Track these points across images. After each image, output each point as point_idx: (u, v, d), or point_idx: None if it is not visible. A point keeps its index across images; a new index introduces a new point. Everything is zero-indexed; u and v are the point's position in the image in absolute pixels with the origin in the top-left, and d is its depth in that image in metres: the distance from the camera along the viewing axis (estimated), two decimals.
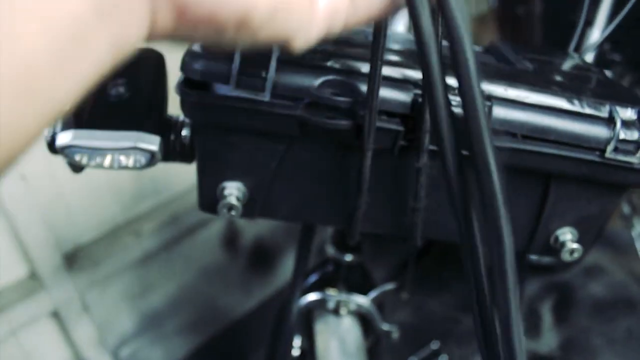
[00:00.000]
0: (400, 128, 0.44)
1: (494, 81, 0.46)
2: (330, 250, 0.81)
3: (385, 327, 0.82)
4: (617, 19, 0.68)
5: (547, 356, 1.49)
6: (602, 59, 1.32)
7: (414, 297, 1.62)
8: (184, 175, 1.28)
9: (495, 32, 2.12)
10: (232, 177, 0.48)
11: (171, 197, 1.28)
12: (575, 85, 0.52)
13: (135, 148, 0.46)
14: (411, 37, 0.65)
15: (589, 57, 1.17)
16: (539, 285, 1.69)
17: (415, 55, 0.49)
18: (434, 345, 1.45)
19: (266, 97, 0.42)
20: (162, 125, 0.49)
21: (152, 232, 1.21)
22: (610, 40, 1.38)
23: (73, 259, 1.12)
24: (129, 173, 1.18)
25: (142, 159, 0.47)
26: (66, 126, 0.47)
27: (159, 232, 1.24)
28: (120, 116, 0.47)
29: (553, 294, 1.67)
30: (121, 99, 0.48)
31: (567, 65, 0.61)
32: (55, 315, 1.10)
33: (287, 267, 1.63)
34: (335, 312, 0.80)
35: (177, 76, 0.45)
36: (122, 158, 0.47)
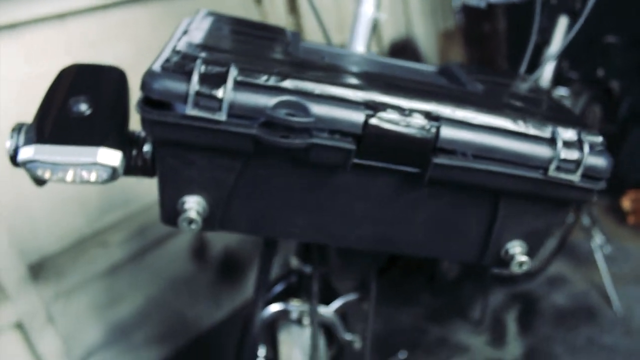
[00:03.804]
0: (352, 147, 0.46)
1: (443, 102, 0.49)
2: (294, 262, 0.83)
3: (348, 337, 0.84)
4: (566, 39, 0.72)
5: None
6: (560, 77, 1.37)
7: (382, 307, 1.64)
8: (153, 187, 1.27)
9: (462, 48, 2.18)
10: (192, 192, 0.50)
11: (140, 208, 1.28)
12: (521, 106, 0.55)
13: (96, 163, 0.47)
14: (366, 56, 0.67)
15: (547, 75, 1.23)
16: (503, 295, 1.73)
17: (367, 76, 0.52)
18: (402, 355, 1.47)
19: (222, 117, 0.43)
20: (123, 141, 0.50)
21: (119, 243, 1.21)
22: (568, 59, 1.44)
23: (38, 270, 1.11)
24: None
25: (104, 174, 0.48)
26: (28, 141, 0.48)
27: (127, 243, 1.23)
28: (82, 131, 0.48)
29: (517, 304, 1.71)
30: (83, 114, 0.49)
31: (515, 87, 0.64)
32: (19, 326, 1.09)
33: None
34: (299, 322, 0.81)
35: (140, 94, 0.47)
36: (84, 173, 0.48)
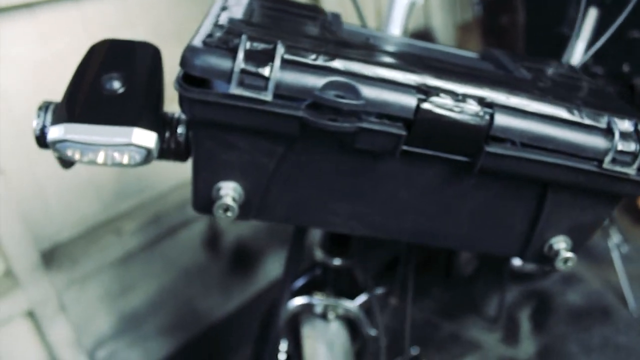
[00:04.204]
0: (403, 132, 0.43)
1: (495, 88, 0.46)
2: (319, 255, 0.80)
3: (372, 332, 0.81)
4: (606, 34, 0.69)
5: None
6: (585, 71, 1.34)
7: (402, 302, 1.62)
8: (168, 175, 1.25)
9: (480, 40, 2.15)
10: (229, 177, 0.47)
11: (154, 196, 1.26)
12: (572, 95, 0.52)
13: (130, 144, 0.44)
14: (407, 40, 0.65)
15: None
16: (517, 293, 1.71)
17: (414, 59, 0.49)
18: (414, 350, 1.45)
19: (268, 97, 0.41)
20: (158, 122, 0.47)
21: (133, 231, 1.19)
22: (593, 54, 1.40)
23: (51, 257, 1.09)
24: (112, 171, 1.16)
25: (137, 156, 0.46)
26: (58, 120, 0.45)
27: (141, 232, 1.21)
28: (115, 110, 0.45)
29: (532, 301, 1.68)
30: (116, 92, 0.46)
31: (562, 75, 0.61)
32: (31, 314, 1.07)
33: (268, 268, 1.61)
34: (323, 316, 0.79)
35: (172, 72, 0.44)
36: (116, 154, 0.45)
